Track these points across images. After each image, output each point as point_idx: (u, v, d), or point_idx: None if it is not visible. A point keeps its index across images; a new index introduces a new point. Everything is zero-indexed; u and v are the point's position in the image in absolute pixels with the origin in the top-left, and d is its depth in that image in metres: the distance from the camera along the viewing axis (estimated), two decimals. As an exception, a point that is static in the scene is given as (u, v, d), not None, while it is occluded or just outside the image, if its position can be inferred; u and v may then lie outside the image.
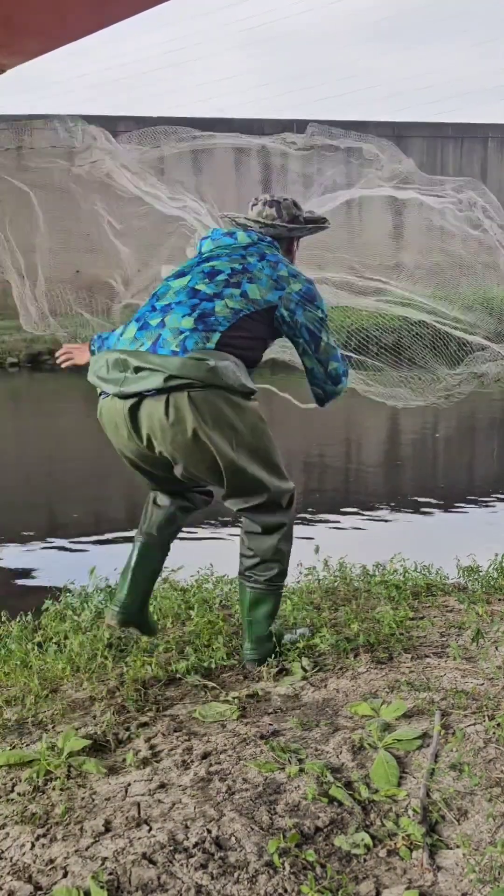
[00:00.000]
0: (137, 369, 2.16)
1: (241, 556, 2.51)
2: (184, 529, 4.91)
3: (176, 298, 2.26)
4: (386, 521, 5.95)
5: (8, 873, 1.68)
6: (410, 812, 1.81)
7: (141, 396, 2.17)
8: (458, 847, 1.69)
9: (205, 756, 2.09)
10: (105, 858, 1.70)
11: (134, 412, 2.20)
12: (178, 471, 2.30)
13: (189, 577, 3.92)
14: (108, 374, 2.22)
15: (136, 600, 2.55)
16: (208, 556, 5.02)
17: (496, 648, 2.69)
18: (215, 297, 2.23)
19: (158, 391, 2.13)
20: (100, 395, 2.34)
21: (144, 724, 2.29)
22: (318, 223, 2.60)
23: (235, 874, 1.63)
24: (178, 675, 2.58)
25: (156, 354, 2.16)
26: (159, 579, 3.04)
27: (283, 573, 2.53)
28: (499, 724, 2.12)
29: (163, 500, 2.57)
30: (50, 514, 6.52)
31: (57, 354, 2.68)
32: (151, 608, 2.89)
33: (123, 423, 2.23)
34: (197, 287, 2.27)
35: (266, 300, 2.28)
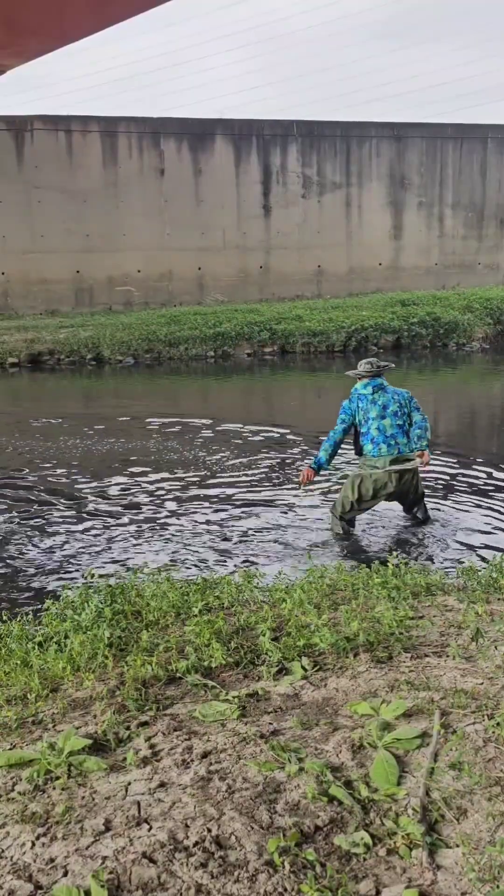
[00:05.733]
0: (403, 461, 5.25)
1: (414, 513, 5.66)
2: (183, 529, 4.91)
3: (394, 431, 5.28)
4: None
5: (8, 872, 1.68)
6: (410, 811, 1.81)
7: (404, 471, 5.29)
8: (457, 846, 1.69)
9: (205, 755, 2.09)
10: (105, 857, 1.70)
11: (400, 476, 5.26)
12: (407, 497, 5.49)
13: (189, 576, 3.93)
14: (385, 466, 5.21)
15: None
16: (208, 556, 5.04)
17: (495, 648, 2.69)
18: (406, 424, 5.34)
19: (413, 470, 5.31)
20: (370, 471, 5.29)
21: (144, 724, 2.29)
22: (387, 366, 5.59)
23: (235, 873, 1.63)
24: (178, 675, 2.58)
25: (405, 456, 5.27)
26: (160, 578, 3.49)
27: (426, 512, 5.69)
28: (498, 724, 2.13)
29: (354, 516, 5.58)
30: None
31: (300, 482, 5.60)
32: (152, 606, 3.11)
33: (394, 482, 5.24)
34: (398, 423, 5.31)
35: (411, 413, 5.39)
